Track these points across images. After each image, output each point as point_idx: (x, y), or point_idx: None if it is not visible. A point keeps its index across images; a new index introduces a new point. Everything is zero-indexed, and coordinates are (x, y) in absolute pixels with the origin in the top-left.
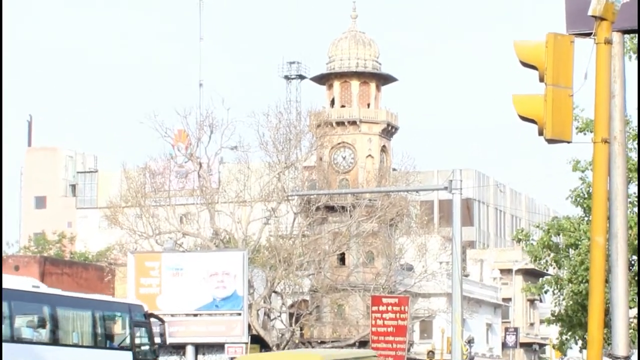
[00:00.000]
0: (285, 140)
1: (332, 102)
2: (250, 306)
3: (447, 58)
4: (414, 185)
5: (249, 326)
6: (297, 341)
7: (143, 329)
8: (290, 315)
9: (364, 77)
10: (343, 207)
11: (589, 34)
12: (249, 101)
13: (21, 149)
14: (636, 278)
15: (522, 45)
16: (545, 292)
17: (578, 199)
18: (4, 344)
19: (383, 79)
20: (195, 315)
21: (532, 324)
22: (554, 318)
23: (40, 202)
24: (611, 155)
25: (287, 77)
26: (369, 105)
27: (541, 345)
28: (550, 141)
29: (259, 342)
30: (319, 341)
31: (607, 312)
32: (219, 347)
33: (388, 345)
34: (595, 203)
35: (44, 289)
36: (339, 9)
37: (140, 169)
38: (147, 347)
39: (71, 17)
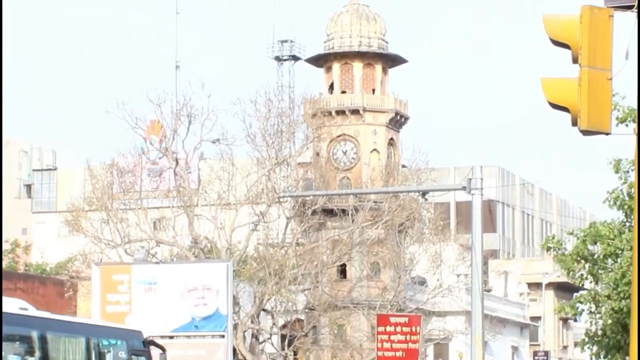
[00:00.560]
0: (276, 132)
1: (331, 88)
2: (235, 327)
3: (465, 35)
4: (426, 184)
5: (234, 350)
6: None
7: (142, 358)
8: (283, 337)
9: (368, 58)
10: (344, 211)
11: (630, 7)
12: (233, 86)
13: None
14: None
15: (553, 20)
16: (580, 313)
17: (618, 201)
18: None
19: (390, 61)
20: (172, 337)
21: (565, 347)
22: (588, 339)
23: None
24: None
25: (278, 58)
26: (374, 91)
27: None
28: (586, 132)
29: None
30: None
31: None
32: None
33: None
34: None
35: (32, 311)
36: None
37: (107, 166)
38: None
39: None
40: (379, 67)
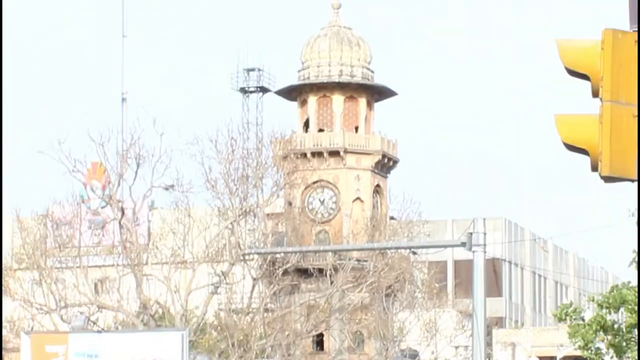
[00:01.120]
0: (241, 178)
1: (306, 125)
2: None
3: (466, 64)
4: (419, 240)
5: None
6: None
7: None
8: None
9: (351, 89)
10: (321, 271)
11: None
12: (191, 123)
13: None
14: None
15: (569, 46)
16: None
17: None
18: None
19: (377, 93)
20: None
21: None
22: None
23: None
24: None
25: (243, 90)
26: (357, 129)
27: None
28: (608, 179)
29: None
30: None
31: None
32: None
33: None
34: None
35: None
36: None
37: (40, 216)
38: None
39: None
40: (363, 101)
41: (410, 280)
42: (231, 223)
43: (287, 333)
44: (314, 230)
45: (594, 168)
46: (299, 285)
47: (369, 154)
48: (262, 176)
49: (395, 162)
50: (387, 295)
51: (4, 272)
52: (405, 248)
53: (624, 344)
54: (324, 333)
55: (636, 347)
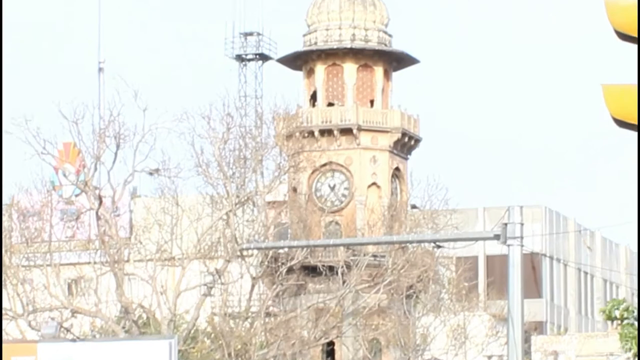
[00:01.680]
0: (238, 160)
1: (314, 98)
2: None
3: (498, 27)
4: (445, 232)
5: None
6: None
7: None
8: None
9: (365, 57)
10: (331, 268)
11: None
12: (178, 96)
13: None
14: None
15: (618, 5)
16: None
17: None
18: None
19: (395, 61)
20: None
21: None
22: None
23: None
24: None
25: (240, 58)
26: (372, 102)
27: None
28: None
29: None
30: None
31: None
32: None
33: None
34: None
35: None
36: None
37: (5, 206)
38: None
39: None
40: (379, 70)
41: (435, 279)
42: (226, 213)
43: (292, 341)
44: (323, 221)
45: None
46: (305, 285)
47: (386, 131)
48: (262, 158)
49: (418, 141)
50: (407, 297)
51: None
52: (429, 242)
53: None
54: (335, 341)
55: None
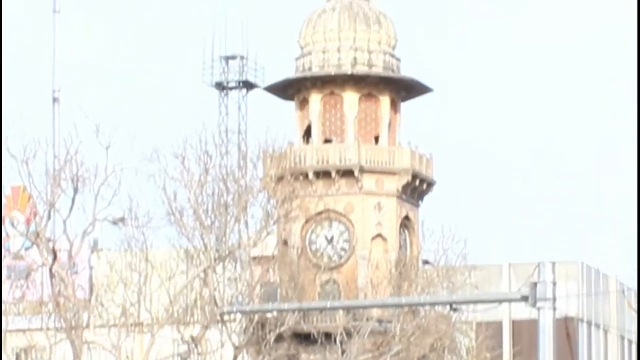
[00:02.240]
0: (218, 207)
1: (308, 134)
2: None
3: (524, 50)
4: (464, 292)
5: None
6: None
7: None
8: None
9: (369, 85)
10: (328, 336)
11: None
12: (147, 131)
13: None
14: None
15: None
16: None
17: None
18: None
19: (405, 90)
20: None
21: None
22: None
23: None
24: None
25: (221, 86)
26: (377, 139)
27: None
28: None
29: None
30: None
31: None
32: None
33: None
34: None
35: None
36: None
37: None
38: None
39: None
40: (385, 101)
41: (452, 349)
42: (204, 270)
43: None
44: (318, 279)
45: None
46: (298, 356)
47: (394, 173)
48: (246, 205)
49: (431, 185)
50: None
51: None
52: (444, 304)
53: None
54: None
55: None
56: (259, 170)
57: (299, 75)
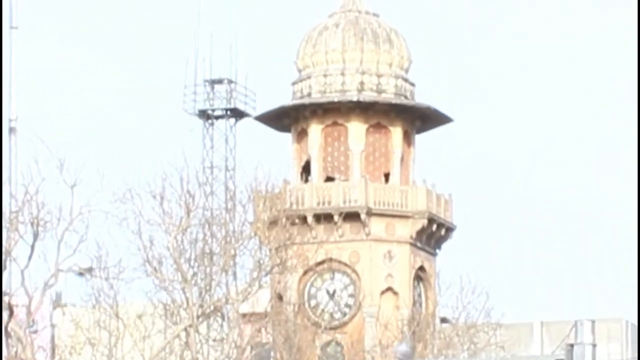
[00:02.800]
0: (202, 256)
1: (307, 170)
2: None
3: (557, 74)
4: (488, 354)
5: None
6: None
7: None
8: None
9: (378, 114)
10: None
11: None
12: (119, 167)
13: None
14: None
15: None
16: None
17: None
18: None
19: (420, 119)
20: None
21: None
22: None
23: None
24: None
25: (205, 114)
26: (387, 176)
27: None
28: None
29: None
30: None
31: None
32: None
33: None
34: None
35: None
36: None
37: None
38: None
39: None
40: (397, 132)
41: None
42: (185, 329)
43: None
44: (318, 340)
45: None
46: None
47: (406, 217)
48: (235, 253)
49: (450, 230)
50: None
51: None
52: None
53: None
54: None
55: None
56: (249, 212)
57: (296, 101)
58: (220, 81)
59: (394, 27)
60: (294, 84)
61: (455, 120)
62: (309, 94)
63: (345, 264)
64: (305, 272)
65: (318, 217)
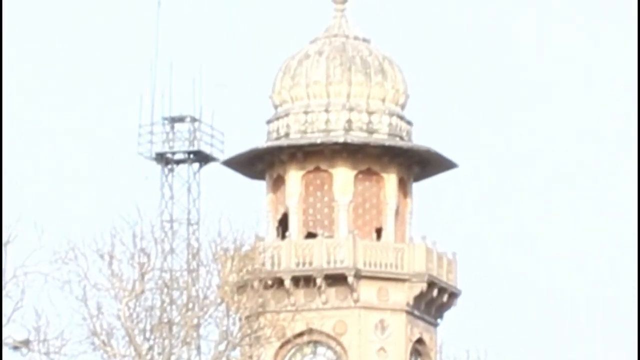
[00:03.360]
0: (159, 325)
1: (283, 225)
2: None
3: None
4: None
5: None
6: None
7: None
8: None
9: (369, 158)
10: None
11: None
12: (61, 222)
13: None
14: None
15: None
16: None
17: None
18: None
19: (418, 164)
20: None
21: None
22: None
23: None
24: None
25: (163, 158)
26: (379, 232)
27: None
28: None
29: None
30: None
31: None
32: None
33: None
34: None
35: None
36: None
37: None
38: None
39: None
40: (391, 179)
41: None
42: None
43: None
44: None
45: None
46: None
47: (402, 280)
48: (198, 322)
49: (454, 295)
50: None
51: None
52: None
53: None
54: None
55: None
56: (215, 275)
57: (272, 143)
58: (181, 119)
59: (388, 55)
60: (269, 122)
61: (460, 166)
62: (287, 135)
63: (330, 336)
64: (281, 346)
65: (297, 280)
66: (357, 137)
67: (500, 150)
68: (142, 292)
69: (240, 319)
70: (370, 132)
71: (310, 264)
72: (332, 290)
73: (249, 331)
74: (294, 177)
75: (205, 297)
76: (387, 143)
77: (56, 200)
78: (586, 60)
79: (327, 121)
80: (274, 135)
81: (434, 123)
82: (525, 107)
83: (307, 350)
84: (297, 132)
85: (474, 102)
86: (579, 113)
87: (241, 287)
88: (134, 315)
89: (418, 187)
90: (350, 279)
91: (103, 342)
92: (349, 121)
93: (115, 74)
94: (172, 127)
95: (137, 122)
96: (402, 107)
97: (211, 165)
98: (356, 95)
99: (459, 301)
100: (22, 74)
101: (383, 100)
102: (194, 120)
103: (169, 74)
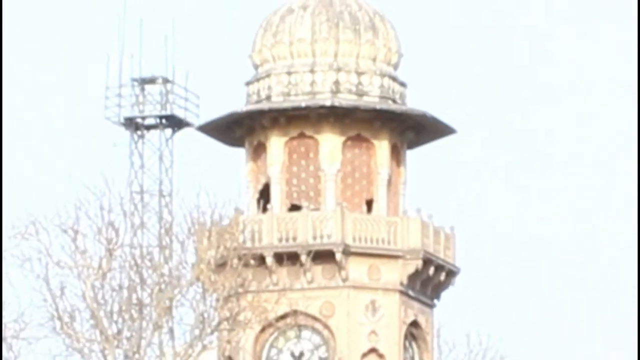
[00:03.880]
0: (129, 307)
1: (264, 196)
2: None
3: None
4: None
5: None
6: None
7: None
8: None
9: (358, 122)
10: None
11: None
12: (20, 194)
13: None
14: None
15: None
16: None
17: None
18: None
19: (412, 130)
20: None
21: None
22: None
23: None
24: None
25: (133, 123)
26: (370, 204)
27: None
28: None
29: None
30: None
31: None
32: None
33: None
34: None
35: None
36: None
37: None
38: None
39: None
40: (383, 147)
41: None
42: None
43: None
44: None
45: None
46: None
47: (396, 257)
48: (171, 304)
49: (452, 274)
50: None
51: None
52: None
53: None
54: None
55: None
56: (190, 251)
57: (252, 107)
58: (152, 81)
59: (379, 10)
60: (248, 84)
61: (459, 132)
62: (268, 97)
63: (316, 318)
64: (263, 329)
65: (280, 258)
66: (345, 100)
67: (502, 114)
68: (110, 270)
69: (217, 300)
70: (360, 94)
71: (295, 239)
72: (318, 269)
73: (227, 314)
74: (276, 144)
75: (180, 277)
76: (378, 106)
77: (15, 169)
78: (588, 21)
79: (313, 83)
80: (254, 98)
81: (429, 85)
82: (529, 68)
83: (291, 334)
84: (280, 95)
85: (473, 63)
86: (583, 70)
87: (219, 266)
88: (100, 296)
89: (412, 155)
90: (338, 256)
91: (66, 325)
92: (337, 82)
93: (79, 32)
94: (142, 90)
95: (104, 84)
96: (395, 67)
97: (185, 131)
98: (344, 54)
99: (458, 280)
100: None
101: (374, 60)
102: (166, 81)
103: (138, 32)
